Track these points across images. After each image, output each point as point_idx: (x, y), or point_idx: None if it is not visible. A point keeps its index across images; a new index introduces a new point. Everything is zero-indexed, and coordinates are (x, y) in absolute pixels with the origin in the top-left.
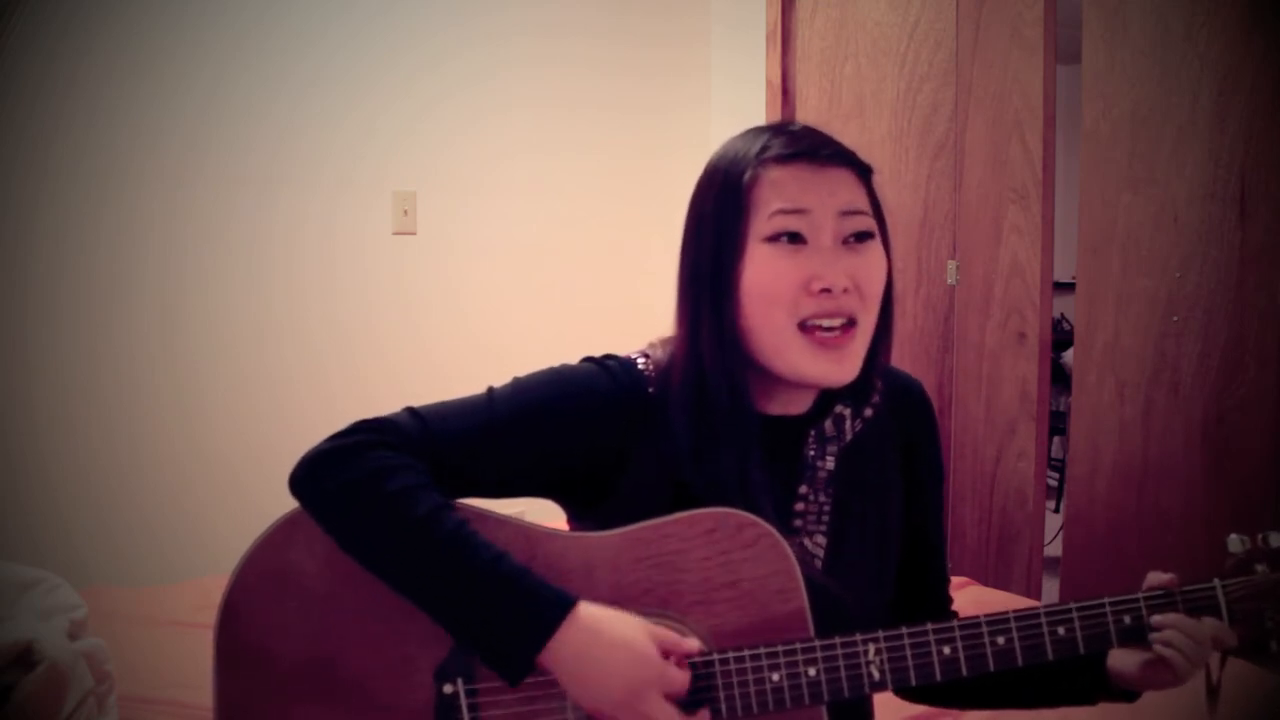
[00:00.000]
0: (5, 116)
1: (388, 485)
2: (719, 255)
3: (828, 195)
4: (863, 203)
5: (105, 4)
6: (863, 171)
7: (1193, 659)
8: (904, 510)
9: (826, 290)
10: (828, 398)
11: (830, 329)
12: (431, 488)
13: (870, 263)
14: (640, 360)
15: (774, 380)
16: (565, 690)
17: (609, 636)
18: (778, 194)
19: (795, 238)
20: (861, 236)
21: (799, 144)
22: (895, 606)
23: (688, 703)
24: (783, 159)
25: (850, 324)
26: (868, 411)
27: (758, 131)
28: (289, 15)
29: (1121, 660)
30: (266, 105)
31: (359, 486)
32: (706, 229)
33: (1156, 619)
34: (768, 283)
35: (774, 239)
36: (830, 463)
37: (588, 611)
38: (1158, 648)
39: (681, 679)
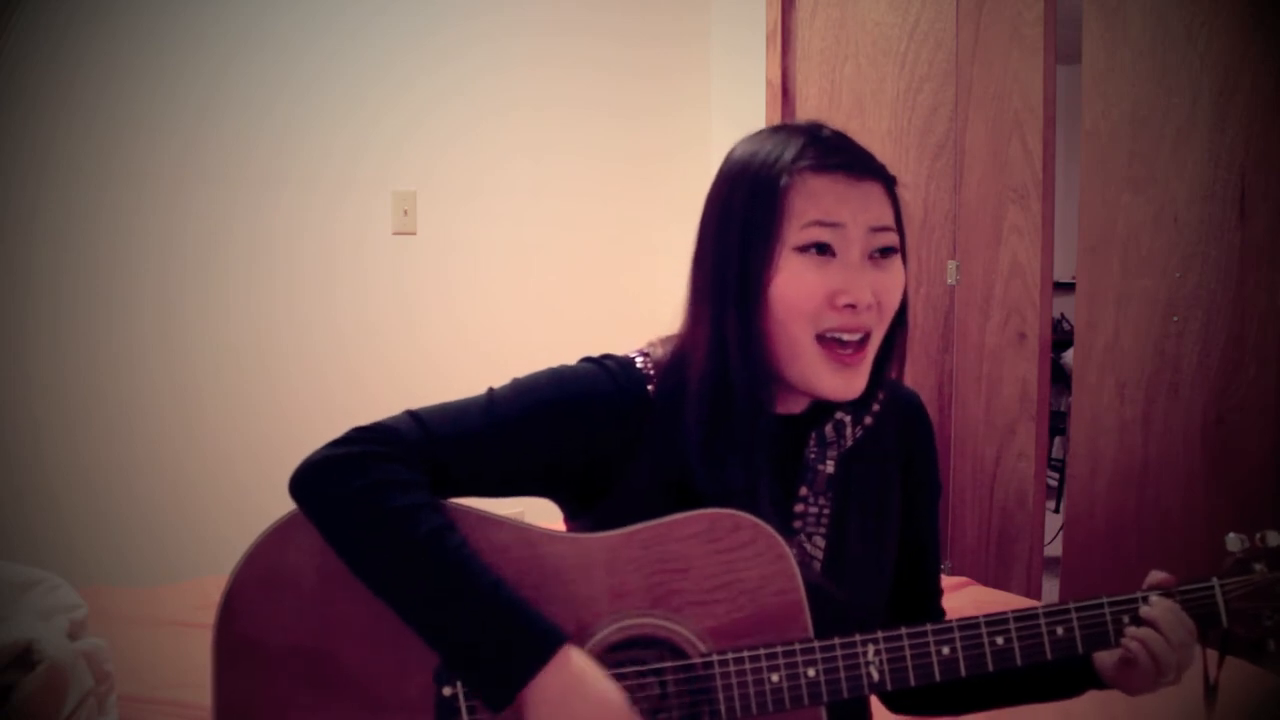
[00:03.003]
0: (5, 116)
1: (389, 501)
2: (748, 259)
3: (860, 210)
4: (890, 218)
5: (105, 4)
6: (890, 183)
7: (1160, 659)
8: (900, 520)
9: (851, 306)
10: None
11: (847, 344)
12: (432, 506)
13: (892, 278)
14: (639, 359)
15: (780, 382)
16: None
17: (592, 687)
18: (814, 205)
19: (824, 249)
20: (887, 252)
21: (837, 155)
22: (888, 616)
23: (686, 714)
24: (820, 169)
25: (865, 339)
26: (867, 419)
27: (788, 133)
28: (289, 15)
29: (1101, 659)
30: (266, 105)
31: (359, 500)
32: (733, 230)
33: (1140, 618)
34: (795, 293)
35: (804, 249)
36: (830, 466)
37: (577, 656)
38: (1125, 642)
39: None
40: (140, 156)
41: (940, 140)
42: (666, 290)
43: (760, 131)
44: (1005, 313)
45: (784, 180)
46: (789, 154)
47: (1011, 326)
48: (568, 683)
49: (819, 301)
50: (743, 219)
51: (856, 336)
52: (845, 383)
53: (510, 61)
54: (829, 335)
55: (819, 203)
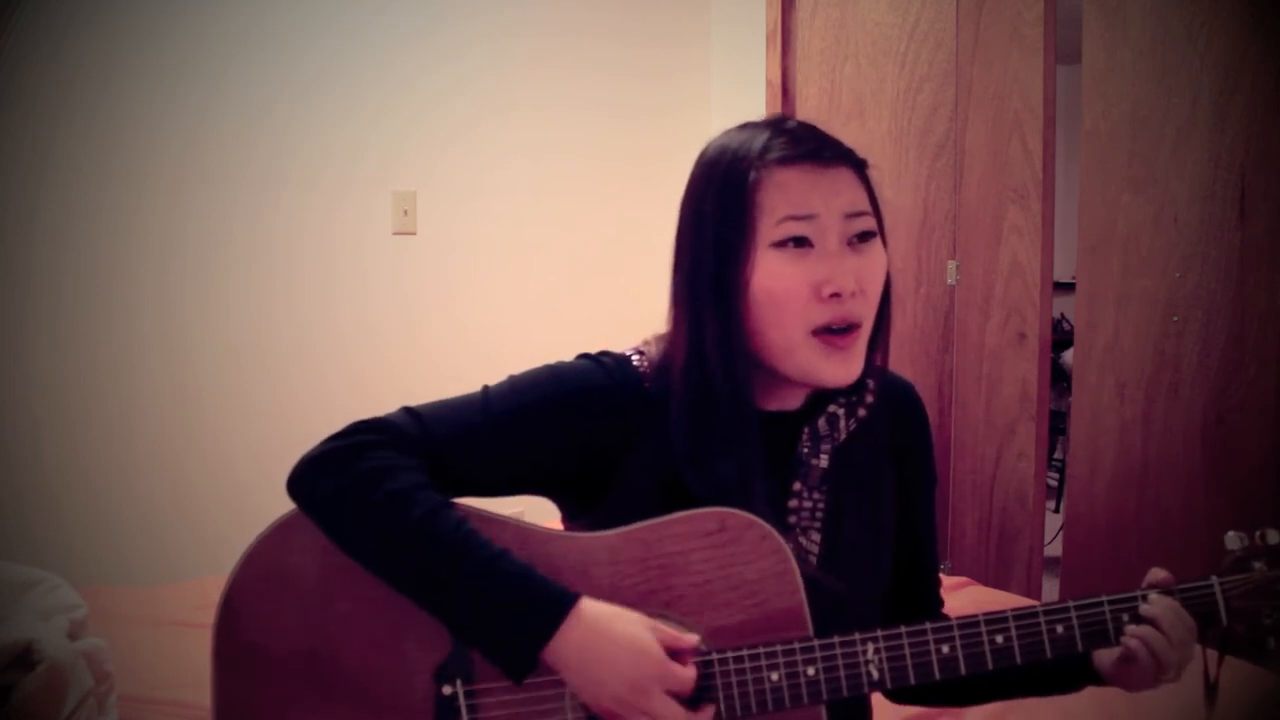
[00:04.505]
0: (5, 116)
1: (386, 485)
2: (723, 259)
3: (832, 197)
4: (864, 202)
5: (105, 4)
6: (860, 167)
7: (1161, 656)
8: (896, 511)
9: (836, 295)
10: (821, 394)
11: (838, 331)
12: (430, 487)
13: (873, 263)
14: (635, 357)
15: (773, 377)
16: (570, 686)
17: (612, 633)
18: (785, 199)
19: (802, 242)
20: (865, 236)
21: (802, 145)
22: (887, 606)
23: (692, 700)
24: (787, 160)
25: (856, 325)
26: (861, 411)
27: (754, 128)
28: (289, 15)
29: (1100, 656)
30: (266, 105)
31: (357, 487)
32: (707, 230)
33: (1140, 615)
34: (778, 289)
35: (781, 245)
36: (824, 460)
37: (591, 607)
38: (1125, 640)
39: (686, 676)
40: (140, 156)
41: (940, 140)
42: (666, 290)
43: (727, 131)
44: (1005, 313)
45: (752, 176)
46: (754, 149)
47: (1011, 326)
48: (588, 633)
49: (804, 295)
50: (715, 220)
51: (846, 326)
52: (843, 367)
53: (510, 61)
54: (821, 329)
55: (789, 195)
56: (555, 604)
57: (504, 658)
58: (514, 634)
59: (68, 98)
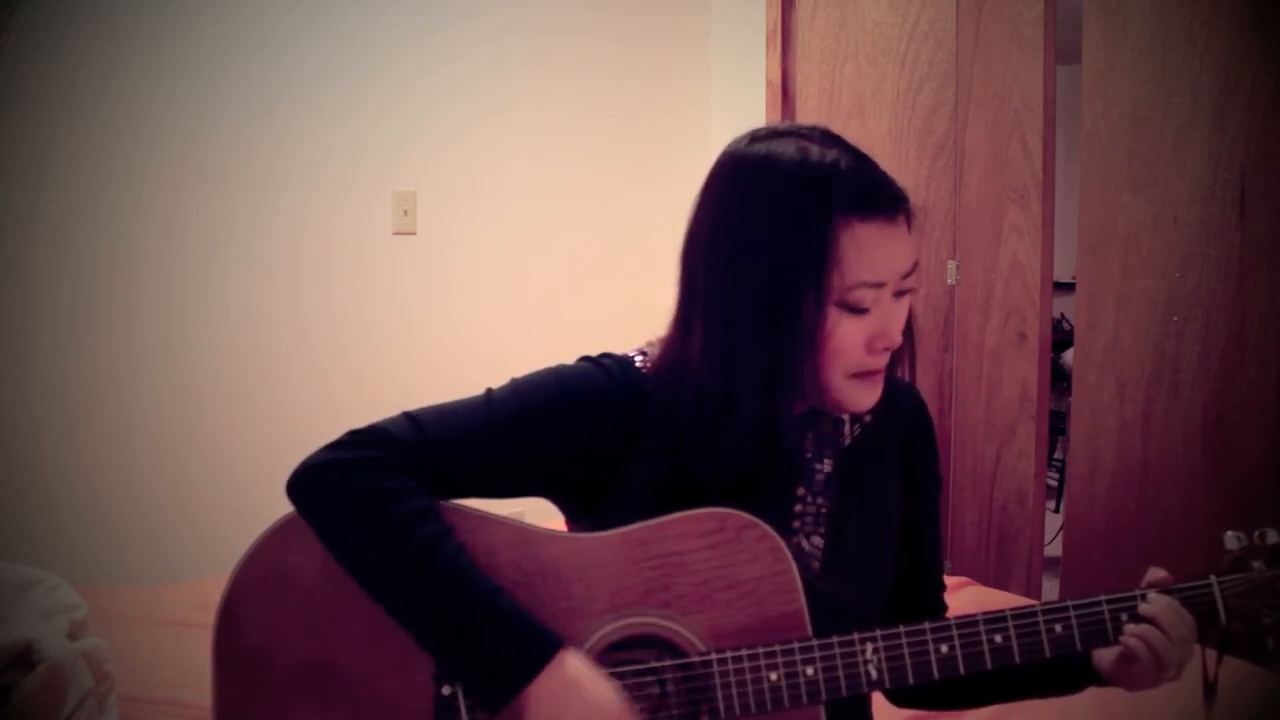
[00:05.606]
0: (5, 116)
1: (386, 508)
2: (779, 299)
3: (899, 260)
4: (914, 252)
5: (105, 4)
6: (909, 210)
7: (1161, 655)
8: (900, 515)
9: (886, 348)
10: None
11: (874, 371)
12: (430, 512)
13: (909, 307)
14: (637, 359)
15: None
16: None
17: (588, 691)
18: (862, 261)
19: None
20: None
21: (878, 198)
22: (890, 610)
23: (685, 712)
24: (866, 216)
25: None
26: (866, 417)
27: (821, 152)
28: (289, 15)
29: (1100, 656)
30: (266, 105)
31: (356, 505)
32: (761, 258)
33: (1140, 614)
34: (834, 345)
35: (849, 306)
36: (828, 465)
37: (575, 660)
38: (1125, 639)
39: None
40: (140, 156)
41: (940, 140)
42: (667, 291)
43: (771, 138)
44: (1005, 313)
45: (830, 226)
46: (835, 193)
47: (1011, 326)
48: (564, 686)
49: (859, 349)
50: (773, 253)
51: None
52: (868, 396)
53: (510, 61)
54: (860, 372)
55: (866, 258)
56: (542, 647)
57: (484, 691)
58: (498, 670)
59: (68, 98)
